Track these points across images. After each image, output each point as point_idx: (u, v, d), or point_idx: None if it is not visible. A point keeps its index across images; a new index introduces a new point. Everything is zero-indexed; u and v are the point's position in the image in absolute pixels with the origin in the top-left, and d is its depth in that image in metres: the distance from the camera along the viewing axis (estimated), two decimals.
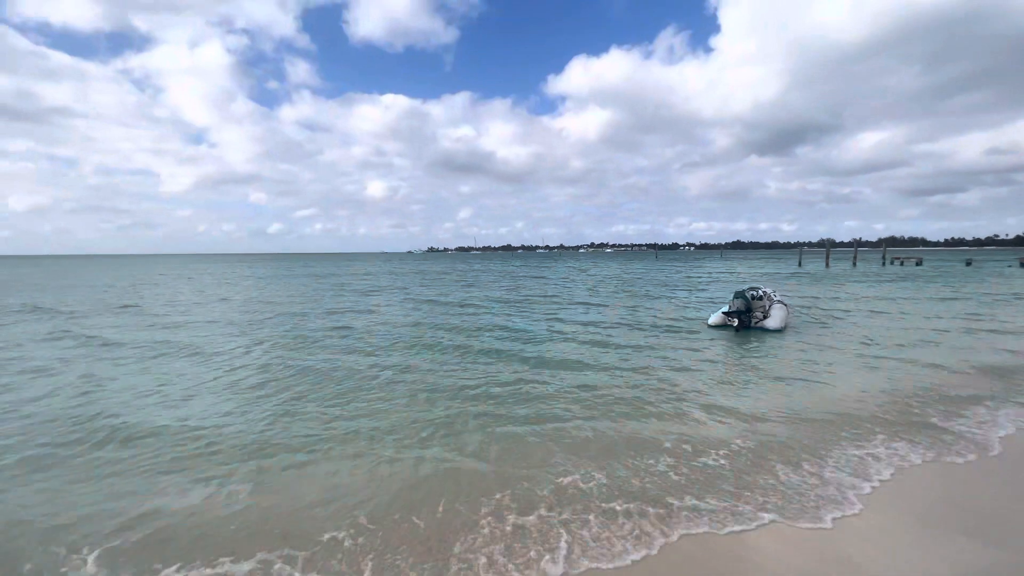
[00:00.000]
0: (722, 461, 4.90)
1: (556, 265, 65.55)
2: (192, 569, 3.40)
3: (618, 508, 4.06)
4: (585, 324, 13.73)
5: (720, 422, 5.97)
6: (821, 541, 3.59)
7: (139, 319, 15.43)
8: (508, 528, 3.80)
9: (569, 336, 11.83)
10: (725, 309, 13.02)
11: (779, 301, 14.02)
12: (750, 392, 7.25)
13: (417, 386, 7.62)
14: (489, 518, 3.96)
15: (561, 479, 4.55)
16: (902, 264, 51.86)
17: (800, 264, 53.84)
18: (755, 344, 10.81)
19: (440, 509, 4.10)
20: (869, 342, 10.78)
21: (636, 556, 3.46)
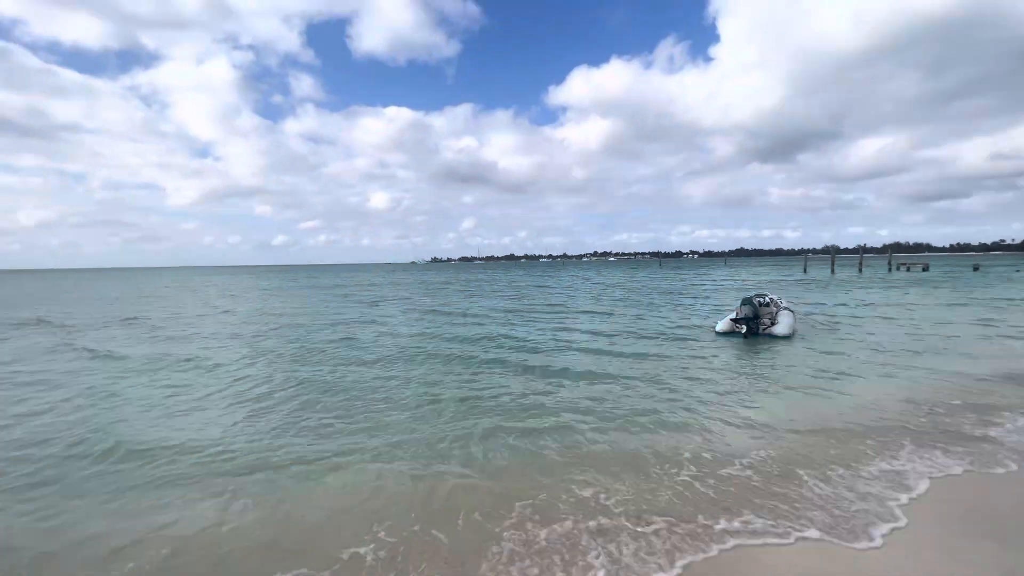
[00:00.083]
0: (748, 472, 4.71)
1: (559, 274, 65.43)
2: None
3: (647, 522, 3.86)
4: (591, 333, 13.57)
5: (738, 432, 5.79)
6: (871, 560, 3.36)
7: (143, 332, 15.37)
8: (534, 543, 3.63)
9: (576, 345, 11.67)
10: (733, 316, 12.90)
11: (786, 307, 13.94)
12: (764, 401, 7.06)
13: (425, 398, 7.48)
14: (512, 531, 3.80)
15: (582, 491, 4.38)
16: (909, 270, 51.45)
17: (805, 271, 53.50)
18: (765, 351, 10.63)
19: (460, 522, 3.95)
20: (881, 349, 10.56)
21: (675, 573, 3.29)
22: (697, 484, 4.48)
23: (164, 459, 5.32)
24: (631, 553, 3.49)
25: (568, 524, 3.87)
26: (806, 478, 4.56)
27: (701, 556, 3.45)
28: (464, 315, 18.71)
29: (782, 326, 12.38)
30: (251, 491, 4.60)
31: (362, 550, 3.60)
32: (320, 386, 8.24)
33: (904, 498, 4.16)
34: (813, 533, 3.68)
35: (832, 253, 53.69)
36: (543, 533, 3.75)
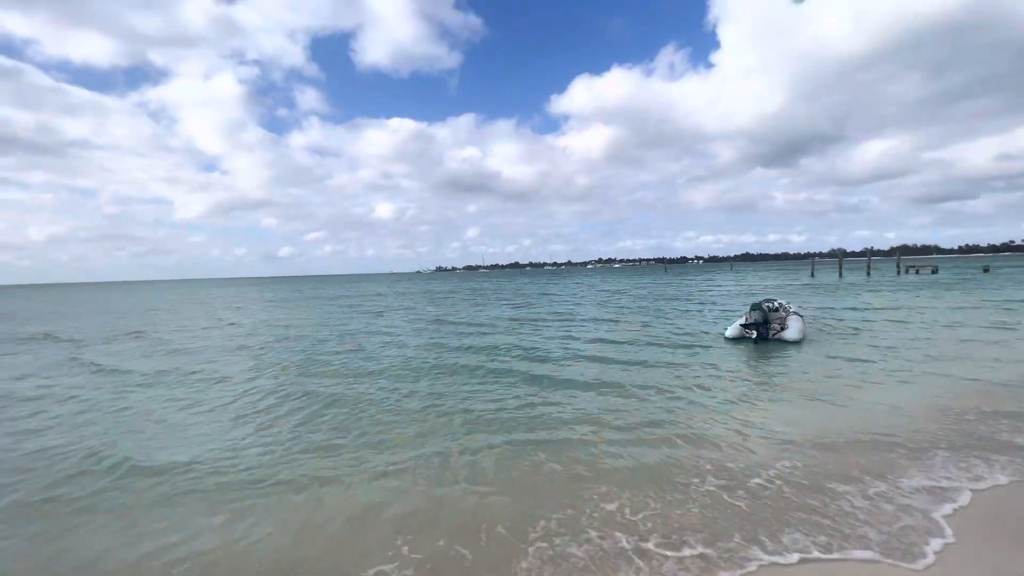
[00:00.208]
0: (776, 483, 4.51)
1: (564, 281, 65.21)
2: None
3: (681, 539, 3.66)
4: (599, 341, 13.38)
5: (758, 441, 5.59)
6: None
7: (150, 346, 15.33)
8: (563, 559, 3.47)
9: (584, 354, 11.48)
10: (742, 321, 12.78)
11: (795, 312, 13.82)
12: (781, 409, 6.86)
13: (433, 410, 7.32)
14: (539, 545, 3.66)
15: (606, 505, 4.21)
16: (918, 272, 50.86)
17: (813, 275, 53.04)
18: (776, 357, 10.41)
19: (483, 537, 3.80)
20: (896, 354, 10.28)
21: None
22: (726, 496, 4.29)
23: (172, 475, 5.19)
24: (671, 573, 3.30)
25: (595, 538, 3.70)
26: (841, 490, 4.34)
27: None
28: (470, 324, 18.57)
29: (792, 331, 12.24)
30: (263, 507, 4.46)
31: (387, 567, 3.47)
32: (327, 399, 8.10)
33: (949, 509, 3.95)
34: (865, 553, 3.45)
35: (839, 256, 53.21)
36: (571, 548, 3.59)
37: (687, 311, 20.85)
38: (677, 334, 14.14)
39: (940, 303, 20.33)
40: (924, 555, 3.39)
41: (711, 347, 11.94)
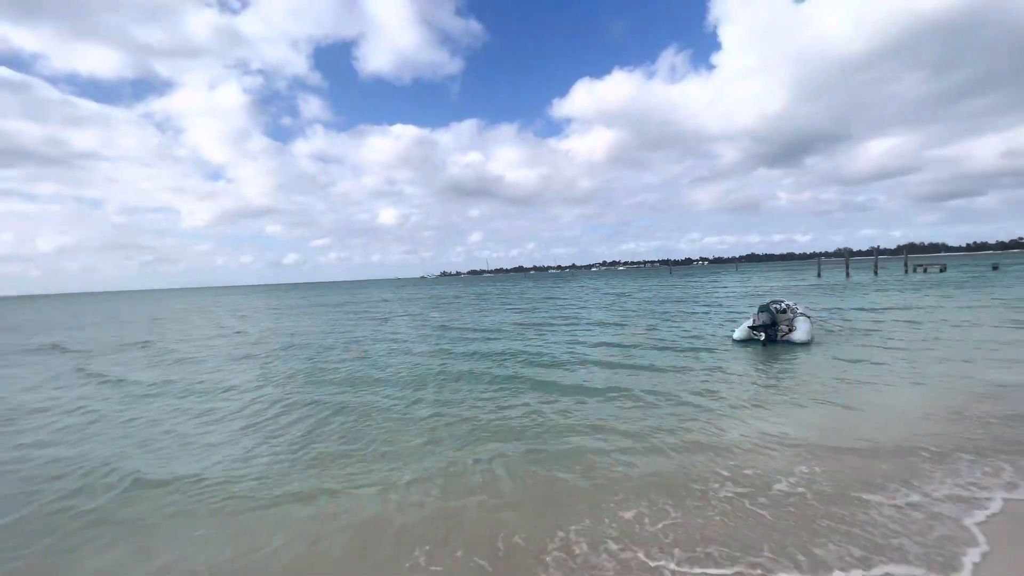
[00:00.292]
0: (799, 490, 4.38)
1: (569, 285, 65.09)
2: None
3: (706, 551, 3.53)
4: (606, 345, 13.26)
5: (773, 447, 5.47)
6: None
7: (157, 356, 15.36)
8: (585, 570, 3.39)
9: (591, 359, 11.37)
10: (750, 323, 12.70)
11: (802, 313, 13.72)
12: (794, 413, 6.74)
13: (441, 418, 7.24)
14: (558, 554, 3.58)
15: (623, 514, 4.10)
16: (926, 271, 50.38)
17: (819, 275, 52.64)
18: (786, 360, 10.28)
19: (500, 546, 3.72)
20: (908, 356, 10.09)
21: None
22: (747, 503, 4.17)
23: (182, 487, 5.13)
24: None
25: (617, 550, 3.59)
26: (866, 498, 4.21)
27: None
28: (476, 330, 18.50)
29: (800, 332, 12.15)
30: (274, 519, 4.39)
31: None
32: (334, 407, 8.05)
33: (981, 516, 3.82)
34: (903, 568, 3.29)
35: (846, 256, 52.86)
36: (592, 560, 3.49)
37: (693, 313, 20.69)
38: (684, 337, 14.01)
39: (950, 302, 20.06)
40: (962, 566, 3.27)
41: (719, 350, 11.81)
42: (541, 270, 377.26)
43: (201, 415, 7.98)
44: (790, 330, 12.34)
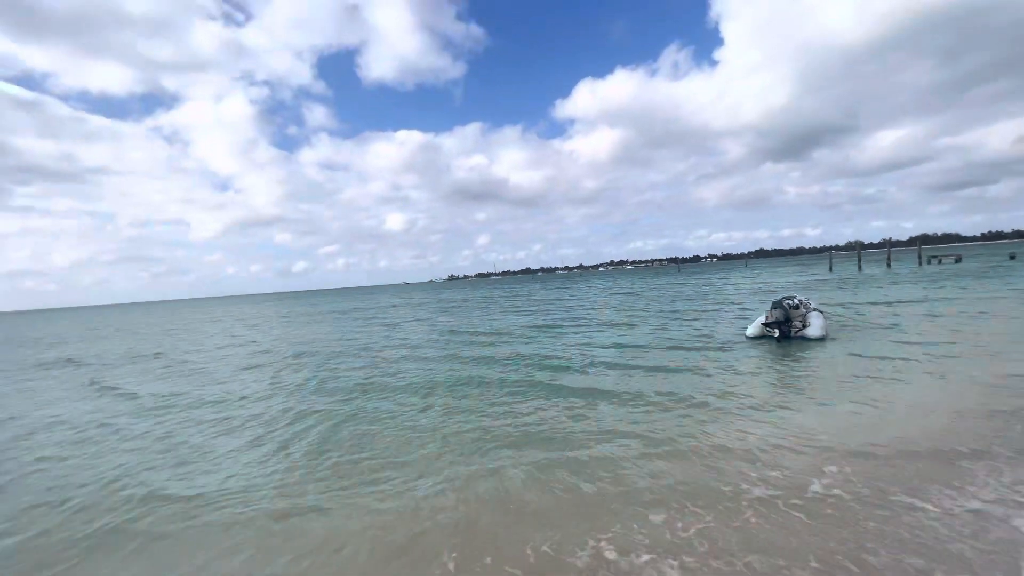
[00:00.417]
0: (835, 492, 4.20)
1: (577, 285, 64.78)
2: None
3: (745, 560, 3.37)
4: (617, 346, 13.10)
5: (798, 448, 5.30)
6: None
7: (168, 368, 15.45)
8: None
9: (603, 361, 11.22)
10: (763, 320, 12.56)
11: (815, 309, 13.54)
12: (816, 411, 6.57)
13: (454, 425, 7.18)
14: (590, 560, 3.50)
15: (653, 518, 3.98)
16: (940, 262, 49.47)
17: (831, 269, 51.91)
18: (801, 356, 10.09)
19: (530, 553, 3.63)
20: (928, 350, 9.78)
21: None
22: (781, 505, 4.00)
23: (195, 502, 5.10)
24: None
25: (651, 561, 3.47)
26: (908, 500, 4.01)
27: None
28: (486, 333, 18.41)
29: (814, 328, 12.00)
30: (293, 530, 4.35)
31: None
32: (346, 416, 8.00)
33: None
34: None
35: (858, 249, 52.08)
36: (626, 568, 3.39)
37: (704, 311, 20.43)
38: (697, 336, 13.81)
39: (968, 294, 19.62)
40: None
41: (733, 348, 11.62)
42: (548, 271, 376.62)
43: (214, 425, 7.96)
44: (804, 326, 12.19)
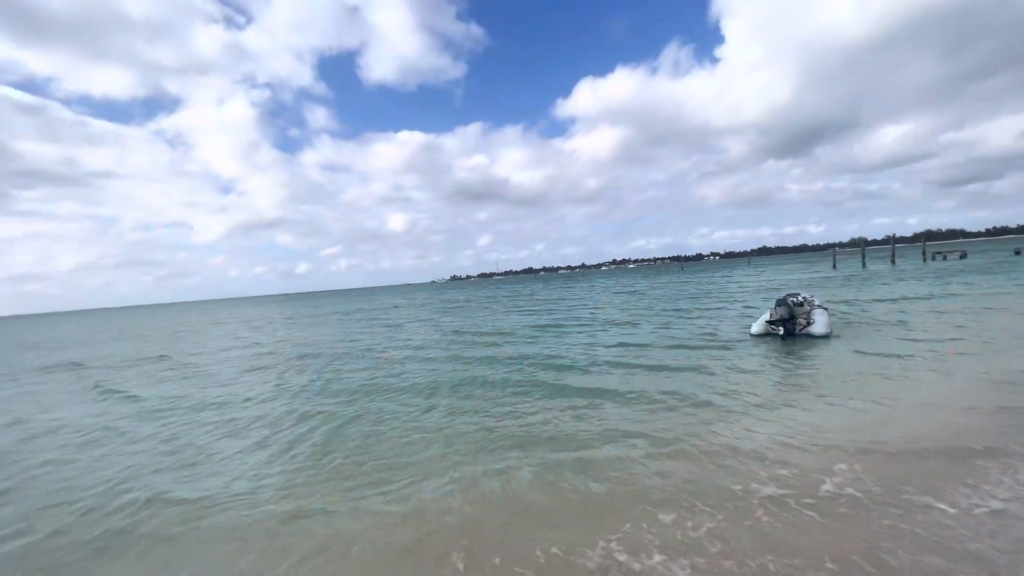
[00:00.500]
0: (848, 491, 4.16)
1: (580, 285, 64.69)
2: None
3: (755, 563, 3.31)
4: (621, 346, 13.06)
5: (808, 447, 5.25)
6: None
7: (172, 371, 15.47)
8: None
9: (608, 360, 11.18)
10: (767, 317, 12.56)
11: (819, 306, 13.47)
12: (825, 410, 6.51)
13: (459, 426, 7.16)
14: (602, 561, 3.46)
15: (663, 518, 3.93)
16: (945, 258, 49.23)
17: (835, 266, 51.71)
18: (806, 354, 10.04)
19: (539, 554, 3.59)
20: (935, 348, 9.70)
21: None
22: (793, 504, 3.95)
23: (201, 502, 5.09)
24: None
25: (663, 562, 3.42)
26: (923, 499, 3.95)
27: None
28: (489, 334, 18.38)
29: (819, 325, 12.00)
30: (300, 532, 4.33)
31: None
32: (350, 417, 7.99)
33: None
34: None
35: (862, 246, 51.77)
36: (637, 568, 3.35)
37: (708, 310, 20.36)
38: (701, 334, 13.75)
39: (973, 290, 19.49)
40: None
41: (738, 346, 11.57)
42: (551, 271, 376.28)
43: (219, 428, 7.95)
44: (808, 323, 12.17)
